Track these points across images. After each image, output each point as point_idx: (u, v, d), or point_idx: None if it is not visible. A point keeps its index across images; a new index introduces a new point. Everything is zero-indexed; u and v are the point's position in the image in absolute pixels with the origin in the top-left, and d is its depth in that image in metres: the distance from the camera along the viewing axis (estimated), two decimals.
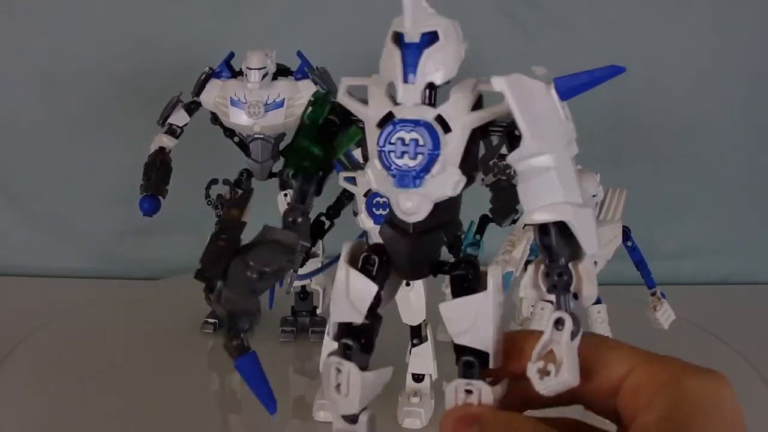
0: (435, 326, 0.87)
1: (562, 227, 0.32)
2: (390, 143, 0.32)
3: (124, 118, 1.23)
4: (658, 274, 0.86)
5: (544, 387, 0.31)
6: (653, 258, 0.83)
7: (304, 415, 0.84)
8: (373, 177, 0.33)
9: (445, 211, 0.35)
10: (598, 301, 0.84)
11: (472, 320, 0.34)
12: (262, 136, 0.95)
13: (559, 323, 0.32)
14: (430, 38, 0.32)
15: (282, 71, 0.95)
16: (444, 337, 0.98)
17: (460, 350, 0.35)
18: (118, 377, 0.91)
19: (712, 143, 1.25)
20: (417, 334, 0.82)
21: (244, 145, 0.98)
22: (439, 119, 0.32)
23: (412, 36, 0.32)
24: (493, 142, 0.34)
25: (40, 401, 0.87)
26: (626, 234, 0.82)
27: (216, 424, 0.86)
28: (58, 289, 1.22)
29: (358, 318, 0.35)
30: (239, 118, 0.94)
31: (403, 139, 0.32)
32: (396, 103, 0.33)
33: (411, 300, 0.81)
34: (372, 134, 0.33)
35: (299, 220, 0.37)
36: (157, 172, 0.94)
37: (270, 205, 1.00)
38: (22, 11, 1.22)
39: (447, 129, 0.32)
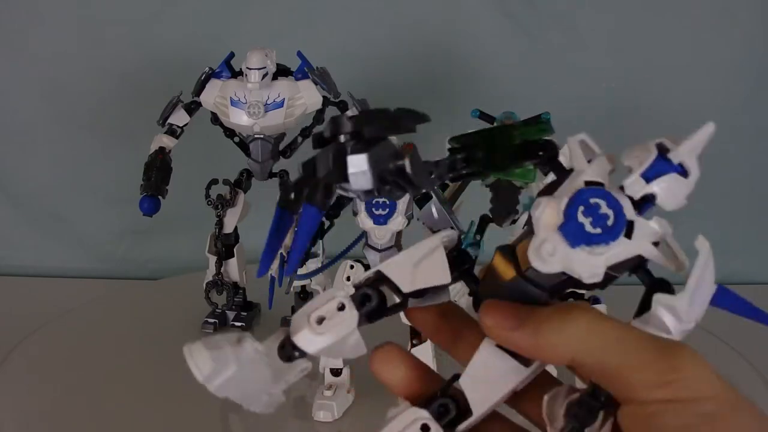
0: None
1: None
2: (588, 201, 0.33)
3: (125, 118, 1.23)
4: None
5: None
6: None
7: (304, 415, 0.84)
8: (542, 208, 0.33)
9: None
10: (598, 301, 0.84)
11: None
12: (262, 136, 0.95)
13: None
14: None
15: (282, 71, 0.95)
16: None
17: None
18: (118, 377, 0.91)
19: (712, 143, 1.25)
20: (417, 334, 0.82)
21: (244, 145, 0.98)
22: (630, 224, 0.32)
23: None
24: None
25: (40, 401, 0.87)
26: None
27: (216, 424, 0.86)
28: (58, 289, 1.22)
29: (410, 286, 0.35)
30: (239, 118, 0.94)
31: (598, 206, 0.32)
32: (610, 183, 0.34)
33: (410, 300, 0.81)
34: (574, 180, 0.34)
35: (434, 175, 0.34)
36: (157, 173, 0.94)
37: (270, 205, 1.00)
38: (22, 11, 1.22)
39: (629, 235, 0.32)
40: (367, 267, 0.83)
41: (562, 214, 0.32)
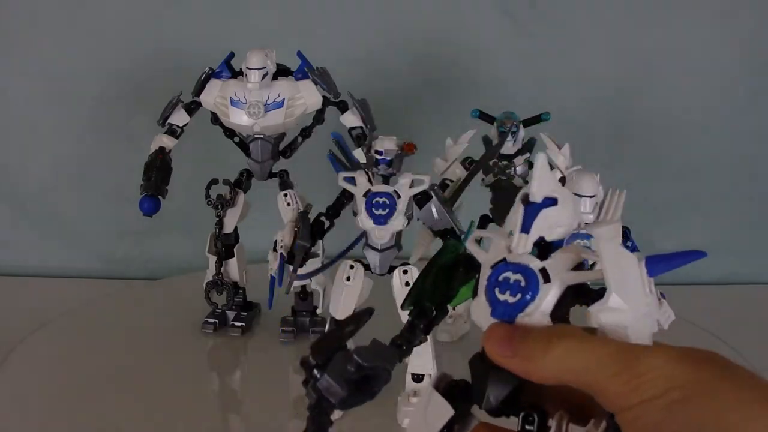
0: (435, 327, 0.87)
1: None
2: (498, 281, 0.36)
3: (125, 118, 1.23)
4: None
5: None
6: None
7: (304, 415, 0.84)
8: (474, 308, 0.38)
9: None
10: None
11: None
12: (262, 136, 0.95)
13: None
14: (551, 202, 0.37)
15: (282, 71, 0.95)
16: (444, 338, 0.99)
17: None
18: (118, 377, 0.91)
19: (712, 143, 1.25)
20: None
21: (244, 145, 0.98)
22: (543, 271, 0.36)
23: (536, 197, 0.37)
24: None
25: (40, 401, 0.87)
26: (626, 234, 0.81)
27: (216, 424, 0.86)
28: (58, 289, 1.22)
29: None
30: (239, 118, 0.94)
31: (508, 279, 0.36)
32: (510, 251, 0.37)
33: None
34: (484, 274, 0.38)
35: (404, 347, 0.41)
36: (157, 173, 0.94)
37: (270, 206, 1.00)
38: (22, 12, 1.22)
39: (547, 279, 0.36)
40: (367, 267, 0.83)
41: (487, 303, 0.36)
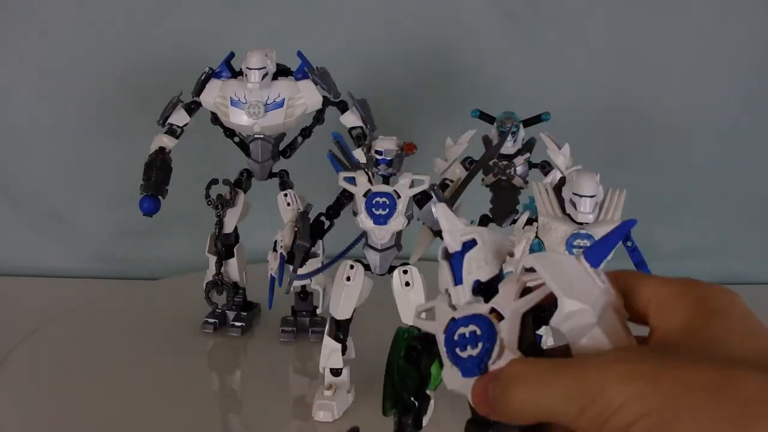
0: None
1: None
2: (454, 340, 0.35)
3: (124, 118, 1.23)
4: (659, 274, 0.85)
5: None
6: (653, 258, 0.82)
7: (304, 415, 0.84)
8: (446, 378, 0.36)
9: None
10: None
11: None
12: (262, 136, 0.95)
13: None
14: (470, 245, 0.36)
15: (282, 71, 0.95)
16: None
17: None
18: (118, 377, 0.91)
19: (712, 143, 1.25)
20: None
21: (244, 145, 0.98)
22: (493, 311, 0.35)
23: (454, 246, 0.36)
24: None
25: (40, 401, 0.87)
26: (626, 234, 0.81)
27: (216, 424, 0.86)
28: (58, 289, 1.22)
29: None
30: (239, 118, 0.94)
31: (464, 334, 0.35)
32: (454, 309, 0.36)
33: (410, 299, 0.81)
34: (440, 342, 0.36)
35: None
36: (157, 173, 0.94)
37: (270, 206, 1.00)
38: (22, 11, 1.22)
39: (500, 317, 0.34)
40: (367, 267, 0.83)
41: (455, 366, 0.35)
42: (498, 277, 0.36)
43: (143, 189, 0.93)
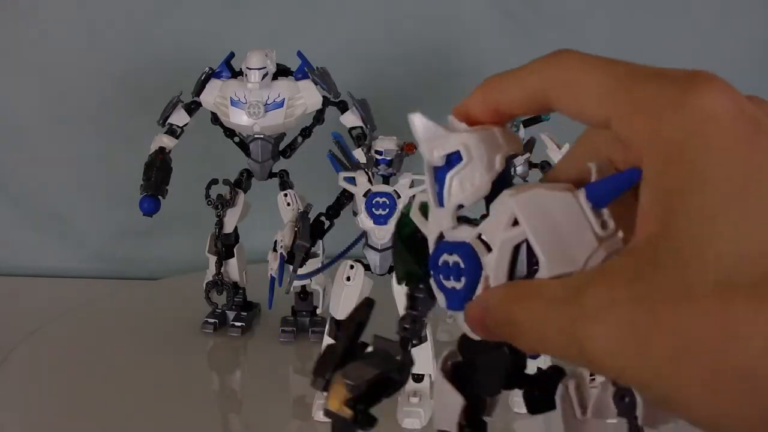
0: (435, 326, 0.87)
1: None
2: (439, 266, 0.31)
3: (124, 118, 1.23)
4: None
5: None
6: None
7: (304, 415, 0.84)
8: (436, 292, 0.32)
9: None
10: None
11: None
12: (262, 136, 0.95)
13: None
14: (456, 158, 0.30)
15: (282, 71, 0.95)
16: (444, 337, 0.98)
17: None
18: (118, 377, 0.91)
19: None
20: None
21: (244, 145, 0.98)
22: (480, 239, 0.30)
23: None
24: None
25: (40, 401, 0.87)
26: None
27: (216, 424, 0.86)
28: (58, 289, 1.22)
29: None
30: (239, 118, 0.94)
31: (447, 262, 0.31)
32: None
33: None
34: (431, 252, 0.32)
35: (407, 326, 0.37)
36: (157, 173, 0.94)
37: (270, 206, 1.00)
38: (21, 11, 1.22)
39: (489, 248, 0.30)
40: (367, 267, 0.83)
41: (440, 293, 0.31)
42: (505, 179, 0.30)
43: (143, 189, 0.93)
